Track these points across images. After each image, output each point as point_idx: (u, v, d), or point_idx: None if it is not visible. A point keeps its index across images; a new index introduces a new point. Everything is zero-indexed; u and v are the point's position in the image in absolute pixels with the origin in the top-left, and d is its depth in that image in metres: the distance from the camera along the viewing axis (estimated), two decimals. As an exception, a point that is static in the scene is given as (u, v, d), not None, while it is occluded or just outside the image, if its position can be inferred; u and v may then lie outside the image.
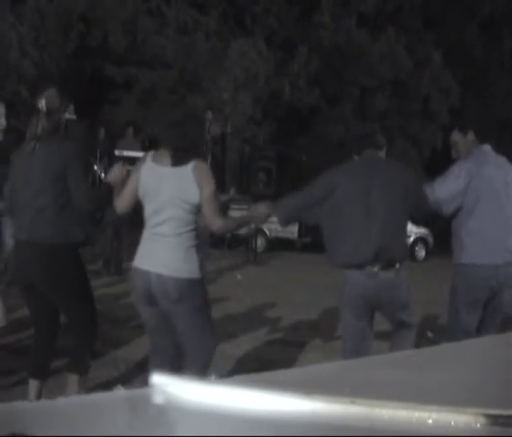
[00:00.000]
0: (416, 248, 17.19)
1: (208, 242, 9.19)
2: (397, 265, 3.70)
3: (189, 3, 17.63)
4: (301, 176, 16.66)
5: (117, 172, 3.65)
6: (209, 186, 3.23)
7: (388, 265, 3.64)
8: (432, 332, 6.71)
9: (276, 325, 6.82)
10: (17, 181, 3.55)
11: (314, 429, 0.82)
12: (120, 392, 0.94)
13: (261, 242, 13.38)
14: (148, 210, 3.30)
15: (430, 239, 16.54)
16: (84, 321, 3.69)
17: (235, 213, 9.89)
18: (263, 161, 15.76)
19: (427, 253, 17.35)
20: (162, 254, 3.22)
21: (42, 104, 3.47)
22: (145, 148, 16.29)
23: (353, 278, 3.62)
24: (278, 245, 14.09)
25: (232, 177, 15.92)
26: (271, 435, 0.81)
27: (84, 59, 16.70)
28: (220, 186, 15.67)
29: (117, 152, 14.89)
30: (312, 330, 6.59)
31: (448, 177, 4.01)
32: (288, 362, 5.20)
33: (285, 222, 3.89)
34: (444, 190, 3.95)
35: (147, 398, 0.90)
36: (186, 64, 16.98)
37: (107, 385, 4.31)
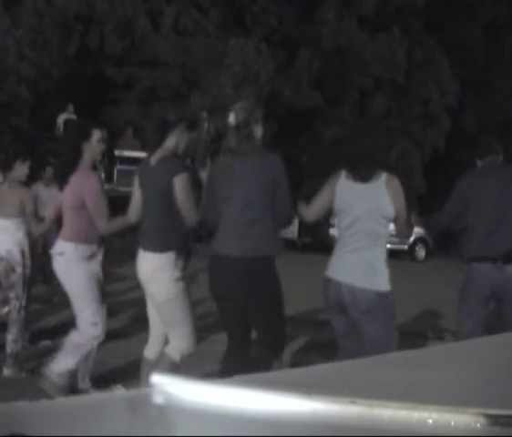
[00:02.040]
0: (416, 249, 17.19)
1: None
2: None
3: (189, 2, 17.62)
4: (301, 176, 16.65)
5: None
6: (402, 199, 3.44)
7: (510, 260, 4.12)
8: (432, 332, 6.71)
9: None
10: (221, 196, 3.50)
11: (314, 429, 0.82)
12: (120, 392, 0.94)
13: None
14: (343, 225, 3.50)
15: (430, 239, 16.57)
16: (276, 336, 3.61)
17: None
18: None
19: (427, 253, 17.35)
20: (355, 266, 3.40)
21: (232, 118, 3.47)
22: (145, 149, 16.31)
23: (482, 268, 4.11)
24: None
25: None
26: (271, 435, 0.81)
27: (83, 60, 16.68)
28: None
29: (116, 152, 14.90)
30: (312, 329, 6.59)
31: None
32: (289, 362, 5.20)
33: (437, 236, 4.39)
34: None
35: (147, 398, 0.90)
36: (186, 62, 16.98)
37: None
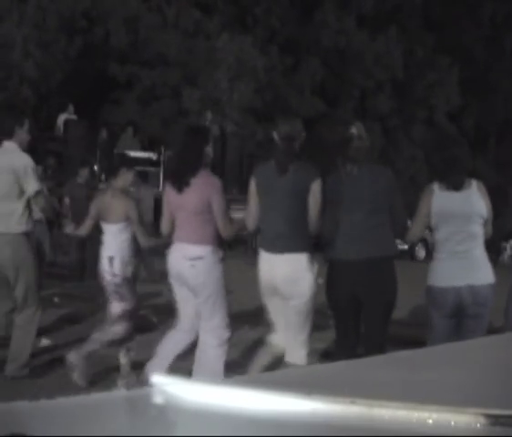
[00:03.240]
0: (416, 248, 17.20)
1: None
2: None
3: (191, 3, 17.63)
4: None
5: None
6: (489, 202, 3.80)
7: None
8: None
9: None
10: (346, 204, 3.77)
11: (314, 429, 0.82)
12: (120, 392, 0.94)
13: (261, 242, 13.33)
14: (445, 233, 3.76)
15: (430, 239, 16.58)
16: (384, 333, 3.85)
17: (236, 213, 9.83)
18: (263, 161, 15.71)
19: (427, 253, 17.37)
20: (469, 268, 3.72)
21: (354, 130, 3.82)
22: (145, 148, 16.33)
23: None
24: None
25: (232, 178, 15.92)
26: (271, 435, 0.81)
27: (86, 59, 16.68)
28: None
29: (116, 152, 14.88)
30: (312, 329, 6.57)
31: None
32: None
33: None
34: None
35: (147, 398, 0.90)
36: (187, 62, 16.99)
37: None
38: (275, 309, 4.00)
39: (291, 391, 0.86)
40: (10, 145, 4.65)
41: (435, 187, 3.79)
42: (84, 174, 9.40)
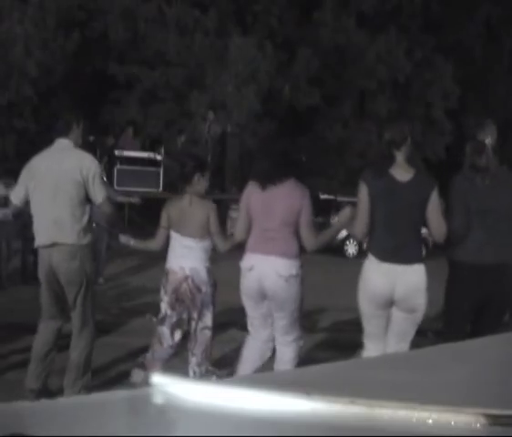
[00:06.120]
0: (416, 249, 17.16)
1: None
2: None
3: (190, 1, 17.63)
4: (301, 175, 16.60)
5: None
6: None
7: None
8: (432, 332, 6.70)
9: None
10: (475, 209, 3.90)
11: (314, 429, 0.82)
12: (120, 392, 0.94)
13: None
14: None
15: (430, 239, 16.60)
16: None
17: (235, 213, 9.83)
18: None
19: (427, 253, 17.33)
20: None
21: (488, 139, 4.05)
22: (145, 148, 16.32)
23: None
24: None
25: (232, 177, 15.91)
26: (271, 435, 0.81)
27: (84, 56, 16.66)
28: (220, 186, 15.68)
29: (116, 152, 14.87)
30: (312, 328, 6.58)
31: None
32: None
33: None
34: None
35: (147, 398, 0.90)
36: (187, 61, 16.98)
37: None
38: (380, 321, 3.82)
39: (291, 391, 0.86)
40: (66, 143, 4.10)
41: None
42: None
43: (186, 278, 4.19)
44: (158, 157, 14.98)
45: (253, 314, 4.03)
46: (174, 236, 4.26)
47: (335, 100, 18.76)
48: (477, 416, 0.78)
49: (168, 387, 0.90)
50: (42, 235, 4.03)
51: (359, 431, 0.80)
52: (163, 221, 4.31)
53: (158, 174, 14.69)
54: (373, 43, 18.57)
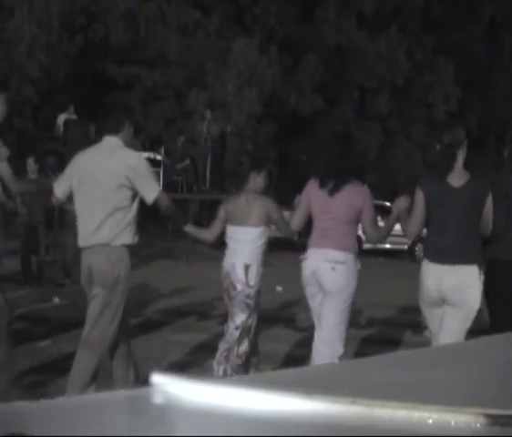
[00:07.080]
0: (416, 249, 17.17)
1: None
2: None
3: (190, 2, 17.63)
4: (301, 176, 16.62)
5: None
6: None
7: None
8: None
9: (276, 325, 6.81)
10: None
11: (314, 429, 0.82)
12: (120, 392, 0.94)
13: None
14: None
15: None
16: None
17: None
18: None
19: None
20: None
21: None
22: (145, 148, 16.32)
23: None
24: (278, 245, 14.07)
25: (232, 177, 15.92)
26: (271, 435, 0.81)
27: (86, 58, 16.67)
28: (220, 186, 15.69)
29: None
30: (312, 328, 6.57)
31: None
32: (295, 361, 5.19)
33: None
34: None
35: (147, 398, 0.90)
36: (188, 61, 16.99)
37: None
38: (438, 320, 3.87)
39: (291, 391, 0.86)
40: (115, 141, 3.89)
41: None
42: None
43: (226, 274, 4.31)
44: (158, 157, 14.98)
45: (312, 305, 4.11)
46: (228, 232, 4.37)
47: (336, 101, 18.76)
48: (477, 416, 0.78)
49: (168, 387, 0.90)
50: (81, 235, 3.85)
51: (359, 431, 0.80)
52: (220, 213, 4.43)
53: (158, 174, 14.69)
54: (374, 43, 18.57)
